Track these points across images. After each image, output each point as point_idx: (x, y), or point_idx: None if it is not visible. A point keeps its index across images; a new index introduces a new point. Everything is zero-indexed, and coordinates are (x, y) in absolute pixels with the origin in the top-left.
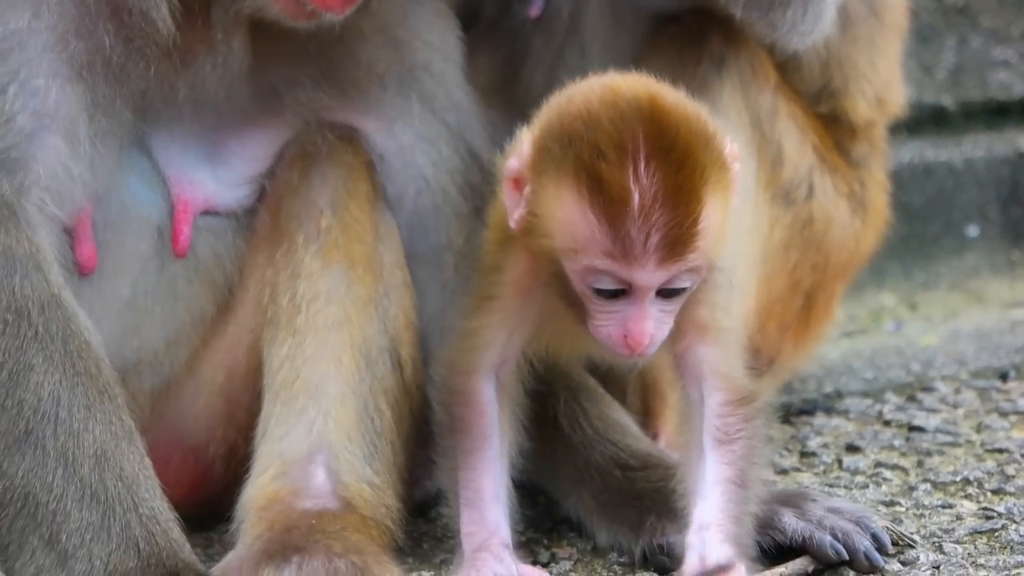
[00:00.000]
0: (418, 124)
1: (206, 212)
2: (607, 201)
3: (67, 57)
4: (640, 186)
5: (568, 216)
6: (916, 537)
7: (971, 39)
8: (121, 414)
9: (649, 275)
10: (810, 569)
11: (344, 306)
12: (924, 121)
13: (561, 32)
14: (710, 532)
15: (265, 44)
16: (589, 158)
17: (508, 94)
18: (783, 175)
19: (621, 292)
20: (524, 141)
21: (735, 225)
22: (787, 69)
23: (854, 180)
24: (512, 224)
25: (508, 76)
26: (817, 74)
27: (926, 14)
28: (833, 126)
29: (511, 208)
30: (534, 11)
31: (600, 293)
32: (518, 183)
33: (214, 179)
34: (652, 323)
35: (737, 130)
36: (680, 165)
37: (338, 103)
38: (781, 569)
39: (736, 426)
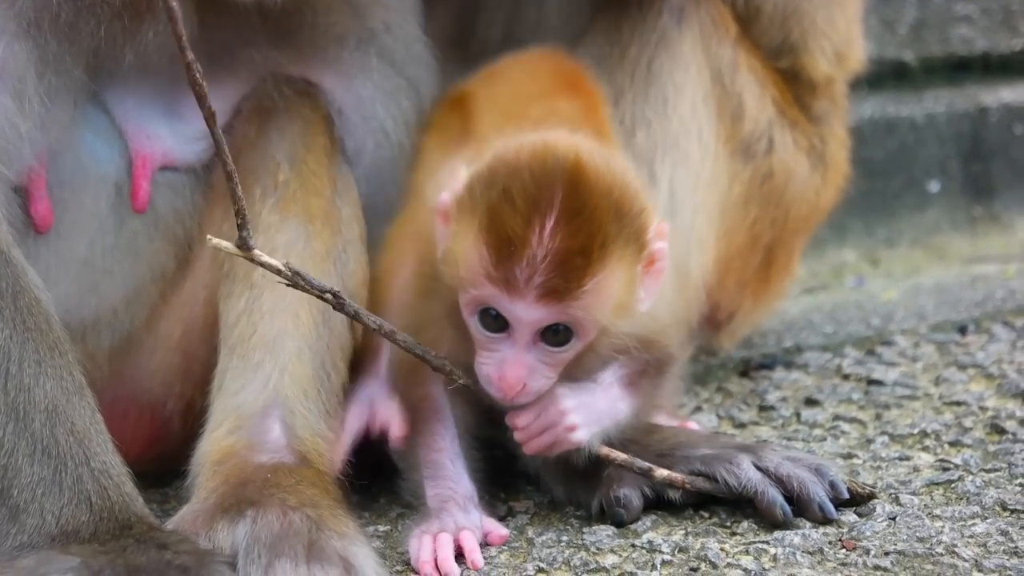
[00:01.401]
0: (377, 78)
1: (164, 167)
2: (501, 240)
3: (14, 14)
4: (535, 236)
5: (467, 248)
6: (874, 489)
7: None
8: (72, 369)
9: (528, 308)
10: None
11: (302, 260)
12: (885, 76)
13: None
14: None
15: (218, 8)
16: (499, 202)
17: (466, 48)
18: (743, 129)
19: (504, 329)
20: (458, 179)
21: (688, 184)
22: (747, 22)
23: (814, 135)
24: (438, 254)
25: (465, 29)
26: (777, 27)
27: None
28: (793, 82)
29: (439, 239)
30: None
31: (484, 325)
32: (445, 217)
33: (172, 134)
34: (526, 369)
35: (697, 84)
36: (581, 229)
37: (295, 60)
38: (678, 475)
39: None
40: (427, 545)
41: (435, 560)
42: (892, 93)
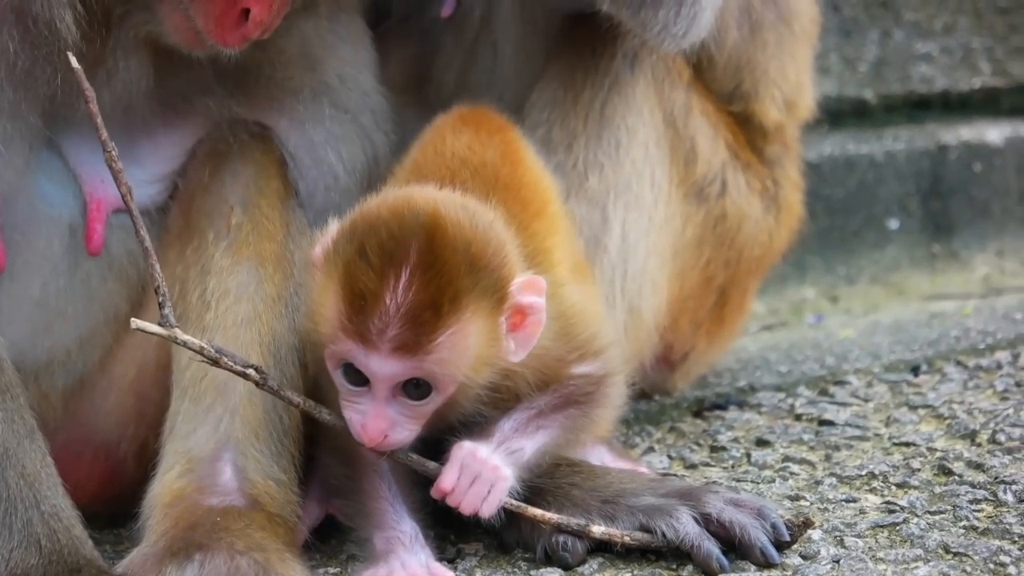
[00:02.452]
0: (329, 124)
1: (118, 210)
2: (355, 294)
3: None
4: (389, 290)
5: (326, 303)
6: (818, 531)
7: (893, 33)
8: (23, 412)
9: (382, 363)
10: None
11: (254, 303)
12: (846, 114)
13: (472, 32)
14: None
15: (174, 59)
16: (355, 257)
17: (421, 92)
18: (696, 171)
19: (365, 383)
20: (328, 234)
21: (641, 227)
22: (700, 69)
23: (767, 178)
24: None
25: (421, 75)
26: (729, 76)
27: (849, 7)
28: (745, 125)
29: (314, 282)
30: (446, 10)
31: (347, 379)
32: (318, 271)
33: (127, 178)
34: (387, 422)
35: (650, 127)
36: (431, 282)
37: (250, 108)
38: (616, 531)
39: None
40: None
41: None
42: (852, 131)
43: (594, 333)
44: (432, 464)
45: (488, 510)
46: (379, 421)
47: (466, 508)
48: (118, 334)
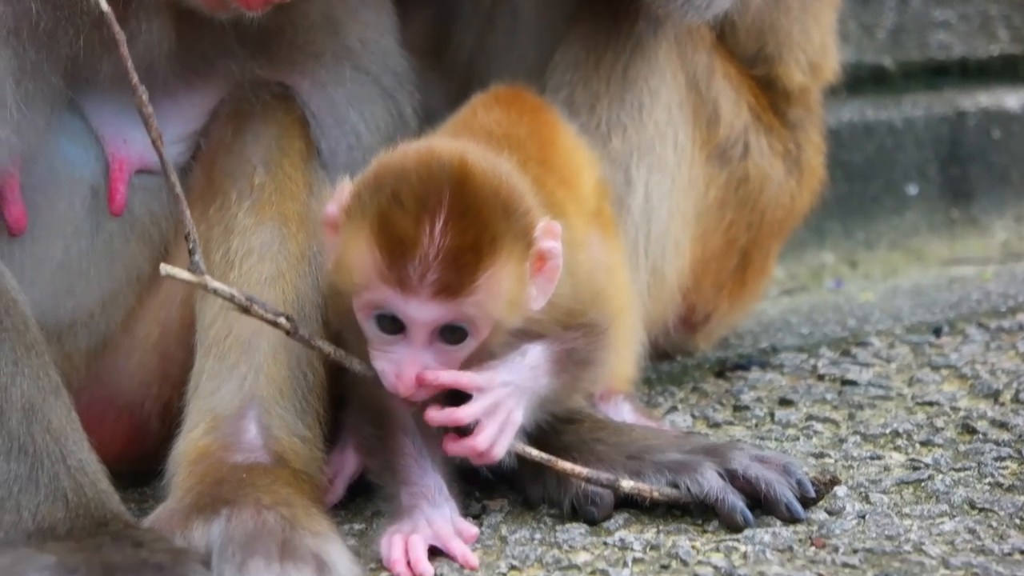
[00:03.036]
0: (351, 86)
1: (141, 171)
2: (393, 241)
3: None
4: (426, 234)
5: (359, 253)
6: (843, 488)
7: (911, 0)
8: (48, 369)
9: (421, 307)
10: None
11: (277, 262)
12: (864, 81)
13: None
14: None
15: (195, 22)
16: (387, 204)
17: (440, 56)
18: (719, 134)
19: (400, 328)
20: (344, 189)
21: (664, 189)
22: (722, 33)
23: (789, 141)
24: (328, 266)
25: (440, 38)
26: (752, 40)
27: None
28: (768, 89)
29: (328, 251)
30: None
31: (381, 328)
32: (334, 227)
33: (148, 138)
34: (422, 367)
35: (672, 89)
36: (470, 225)
37: (272, 70)
38: (644, 486)
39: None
40: (397, 545)
41: (407, 560)
42: (871, 97)
43: (602, 291)
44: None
45: (499, 451)
46: (415, 368)
47: (481, 444)
48: (141, 294)
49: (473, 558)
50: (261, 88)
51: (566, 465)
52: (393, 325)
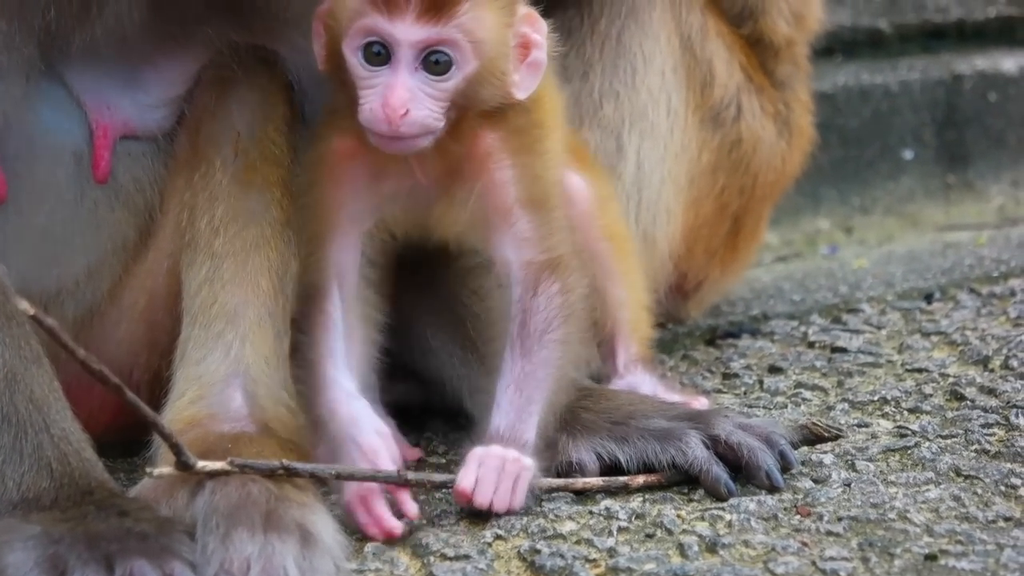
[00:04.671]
0: None
1: (125, 137)
2: None
3: None
4: None
5: None
6: (829, 455)
7: None
8: (28, 339)
9: (407, 28)
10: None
11: (262, 228)
12: (860, 44)
13: None
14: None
15: None
16: None
17: None
18: (713, 96)
19: (386, 60)
20: None
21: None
22: None
23: (779, 101)
24: (319, 65)
25: None
26: None
27: None
28: (756, 47)
29: (316, 49)
30: None
31: (367, 59)
32: (323, 17)
33: (132, 103)
34: (408, 91)
35: (667, 53)
36: None
37: (251, 35)
38: (633, 479)
39: (544, 323)
40: (360, 511)
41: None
42: (867, 61)
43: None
44: (446, 476)
45: (519, 501)
46: (401, 90)
47: (499, 505)
48: (127, 263)
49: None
50: (244, 53)
51: (581, 482)
52: (379, 57)
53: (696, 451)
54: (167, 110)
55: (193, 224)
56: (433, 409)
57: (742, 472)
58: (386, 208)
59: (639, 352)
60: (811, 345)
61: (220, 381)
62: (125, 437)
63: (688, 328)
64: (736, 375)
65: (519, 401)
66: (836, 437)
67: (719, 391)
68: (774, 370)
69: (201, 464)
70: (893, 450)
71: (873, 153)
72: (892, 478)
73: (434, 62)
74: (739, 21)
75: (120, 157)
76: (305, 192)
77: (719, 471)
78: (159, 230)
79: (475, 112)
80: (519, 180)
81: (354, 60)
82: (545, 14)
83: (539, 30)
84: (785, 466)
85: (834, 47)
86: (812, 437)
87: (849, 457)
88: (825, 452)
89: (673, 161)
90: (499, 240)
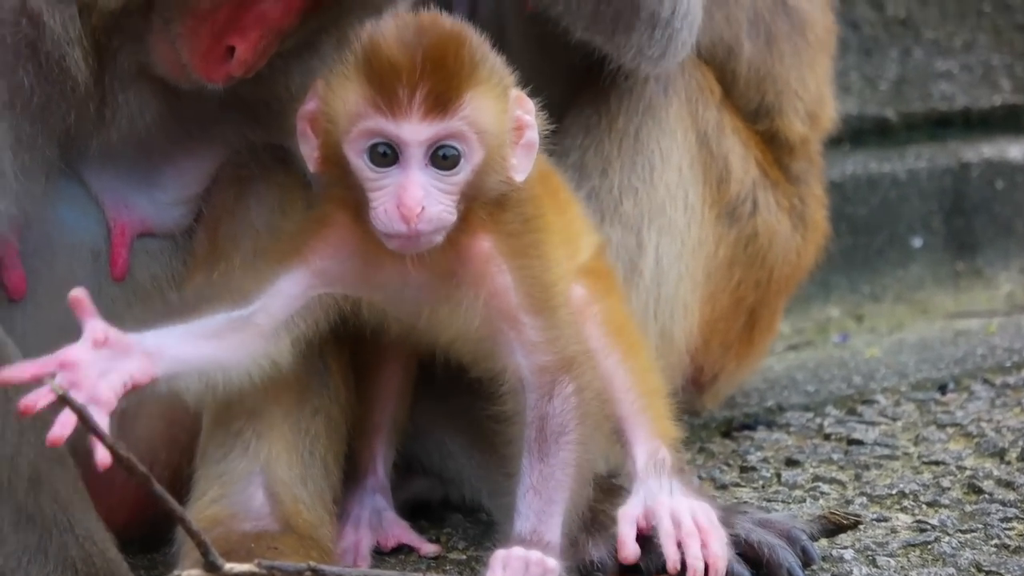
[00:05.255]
0: None
1: (143, 234)
2: (381, 68)
3: None
4: (408, 57)
5: (346, 92)
6: (850, 550)
7: (913, 51)
8: None
9: (414, 127)
10: None
11: None
12: (868, 133)
13: None
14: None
15: (179, 91)
16: (370, 47)
17: None
18: (729, 191)
19: (394, 160)
20: (317, 84)
21: (674, 251)
22: (726, 86)
23: (794, 195)
24: (310, 166)
25: None
26: (753, 90)
27: (869, 26)
28: (771, 144)
29: (306, 151)
30: None
31: (374, 161)
32: (312, 120)
33: (150, 202)
34: (421, 189)
35: (683, 149)
36: (448, 47)
37: (267, 135)
38: None
39: (560, 425)
40: None
41: None
42: (874, 149)
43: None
44: None
45: None
46: (415, 189)
47: None
48: None
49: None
50: (262, 151)
51: None
52: (385, 158)
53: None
54: (185, 208)
55: None
56: (452, 505)
57: (763, 570)
58: (365, 291)
59: (659, 453)
60: (827, 437)
61: (242, 479)
62: (145, 533)
63: (704, 420)
64: (753, 468)
65: (539, 504)
66: (855, 524)
67: (737, 485)
68: (791, 463)
69: (229, 566)
70: (913, 545)
71: (882, 241)
72: (913, 574)
73: (443, 157)
74: (755, 118)
75: (138, 254)
76: (285, 237)
77: (741, 570)
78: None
79: (479, 203)
80: (519, 284)
81: (359, 162)
82: (562, 112)
83: (529, 111)
84: (806, 562)
85: (842, 136)
86: (831, 527)
87: (870, 552)
88: (846, 547)
89: (691, 256)
90: (507, 346)
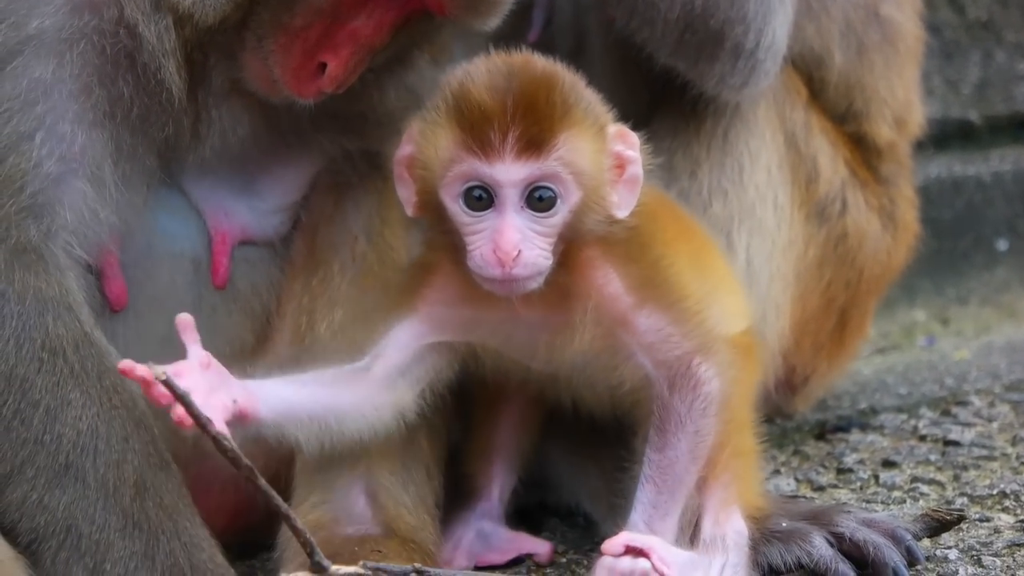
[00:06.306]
0: None
1: (242, 242)
2: (472, 112)
3: (91, 104)
4: (501, 102)
5: (441, 140)
6: (954, 551)
7: (995, 54)
8: (157, 444)
9: (508, 169)
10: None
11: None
12: (951, 136)
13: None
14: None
15: (275, 107)
16: (460, 91)
17: None
18: (818, 191)
19: (489, 204)
20: (411, 129)
21: (764, 252)
22: (813, 92)
23: (883, 195)
24: (408, 211)
25: None
26: (841, 96)
27: (950, 30)
28: (859, 145)
29: (404, 195)
30: (532, 35)
31: (469, 205)
32: (407, 164)
33: (249, 210)
34: (517, 232)
35: (772, 150)
36: (539, 91)
37: (362, 143)
38: None
39: (680, 417)
40: None
41: None
42: (958, 153)
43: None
44: None
45: None
46: (510, 232)
47: None
48: (244, 366)
49: None
50: (359, 159)
51: None
52: (480, 201)
53: (821, 550)
54: (283, 216)
55: (312, 328)
56: (548, 508)
57: (868, 569)
58: (477, 335)
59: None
60: (923, 439)
61: (344, 484)
62: (243, 539)
63: (796, 423)
64: (850, 470)
65: (655, 495)
66: (960, 520)
67: (835, 486)
68: (888, 464)
69: (335, 568)
70: (1018, 544)
71: (967, 244)
72: (1020, 573)
73: (538, 199)
74: (842, 121)
75: (237, 263)
76: (395, 287)
77: (846, 569)
78: (276, 334)
79: (580, 243)
80: (629, 288)
81: (455, 207)
82: (650, 115)
83: (632, 145)
84: (911, 561)
85: (925, 140)
86: (935, 524)
87: (974, 552)
88: (950, 547)
89: (781, 257)
90: (625, 350)
